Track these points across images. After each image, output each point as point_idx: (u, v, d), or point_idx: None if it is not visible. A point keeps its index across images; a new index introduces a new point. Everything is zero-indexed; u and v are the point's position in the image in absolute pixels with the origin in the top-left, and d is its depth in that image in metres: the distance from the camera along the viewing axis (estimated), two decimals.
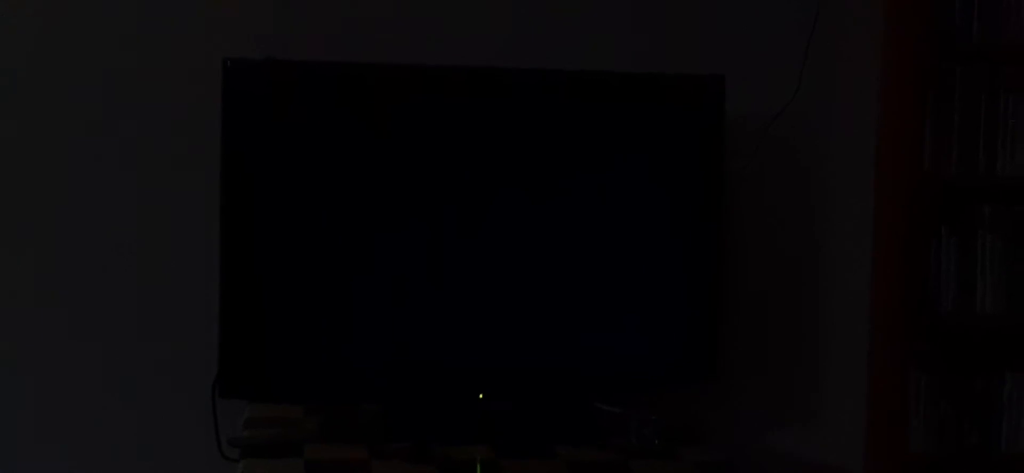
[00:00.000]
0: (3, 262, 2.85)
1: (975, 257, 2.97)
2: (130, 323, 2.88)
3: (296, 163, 2.57)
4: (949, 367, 2.99)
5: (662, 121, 2.73)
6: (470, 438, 2.63)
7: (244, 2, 2.84)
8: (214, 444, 2.67)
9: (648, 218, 2.73)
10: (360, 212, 2.61)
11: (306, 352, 2.61)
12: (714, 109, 2.74)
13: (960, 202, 2.98)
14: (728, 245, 2.90)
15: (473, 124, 2.65)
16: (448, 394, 2.69)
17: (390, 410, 2.67)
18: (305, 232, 2.58)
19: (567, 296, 2.70)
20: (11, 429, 2.87)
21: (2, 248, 2.84)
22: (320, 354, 2.63)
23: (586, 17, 2.94)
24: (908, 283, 2.95)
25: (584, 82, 2.71)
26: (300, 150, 2.57)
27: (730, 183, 2.85)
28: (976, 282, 2.97)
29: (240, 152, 2.54)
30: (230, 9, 2.84)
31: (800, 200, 3.08)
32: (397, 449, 2.55)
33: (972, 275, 2.97)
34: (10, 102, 2.82)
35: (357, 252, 2.62)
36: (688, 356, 2.76)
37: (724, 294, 2.88)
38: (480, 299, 2.67)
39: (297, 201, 2.57)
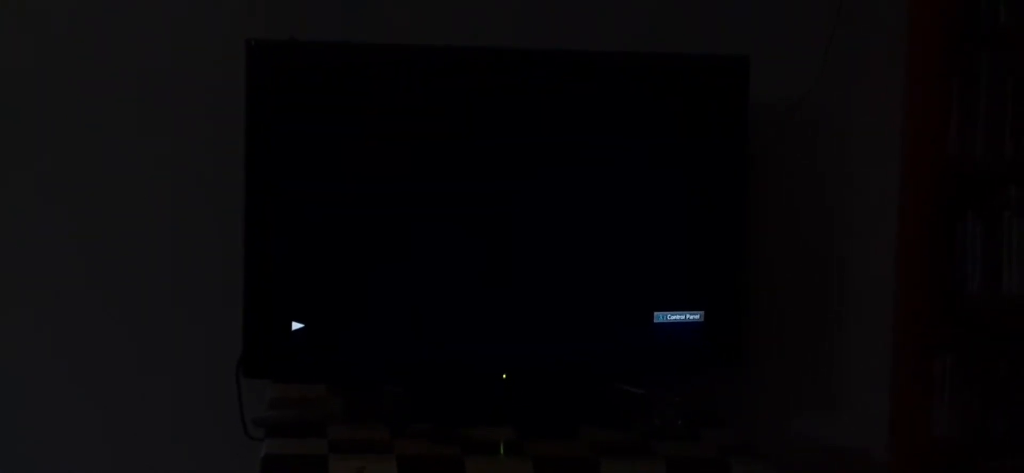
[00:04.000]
0: (40, 247, 2.87)
1: (1001, 240, 2.95)
2: (155, 303, 2.90)
3: (319, 144, 2.57)
4: (974, 351, 2.98)
5: (686, 102, 2.72)
6: (493, 419, 2.63)
7: None
8: (239, 423, 2.68)
9: (671, 200, 2.72)
10: (384, 192, 2.61)
11: (330, 333, 2.62)
12: (738, 91, 2.73)
13: (986, 185, 2.96)
14: (751, 228, 2.89)
15: (496, 105, 2.65)
16: (471, 375, 2.69)
17: (413, 390, 2.67)
18: (329, 213, 2.59)
19: (590, 278, 2.70)
20: (45, 406, 2.90)
21: (40, 232, 2.86)
22: (344, 335, 2.63)
23: None
24: (933, 266, 2.94)
25: (607, 63, 2.70)
26: (323, 130, 2.57)
27: (753, 166, 2.84)
28: (1002, 265, 2.96)
29: (264, 132, 2.54)
30: None
31: (823, 183, 3.07)
32: (420, 429, 2.55)
33: (998, 258, 2.95)
34: (32, 93, 2.85)
35: (380, 233, 2.62)
36: (711, 339, 2.76)
37: (747, 277, 2.87)
38: (503, 280, 2.67)
39: (321, 182, 2.58)
